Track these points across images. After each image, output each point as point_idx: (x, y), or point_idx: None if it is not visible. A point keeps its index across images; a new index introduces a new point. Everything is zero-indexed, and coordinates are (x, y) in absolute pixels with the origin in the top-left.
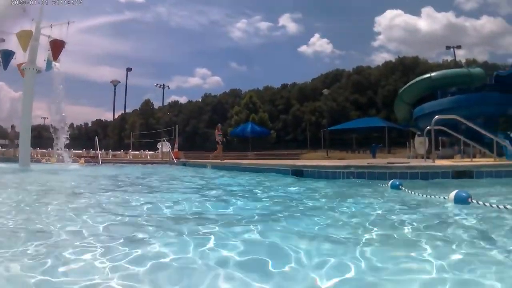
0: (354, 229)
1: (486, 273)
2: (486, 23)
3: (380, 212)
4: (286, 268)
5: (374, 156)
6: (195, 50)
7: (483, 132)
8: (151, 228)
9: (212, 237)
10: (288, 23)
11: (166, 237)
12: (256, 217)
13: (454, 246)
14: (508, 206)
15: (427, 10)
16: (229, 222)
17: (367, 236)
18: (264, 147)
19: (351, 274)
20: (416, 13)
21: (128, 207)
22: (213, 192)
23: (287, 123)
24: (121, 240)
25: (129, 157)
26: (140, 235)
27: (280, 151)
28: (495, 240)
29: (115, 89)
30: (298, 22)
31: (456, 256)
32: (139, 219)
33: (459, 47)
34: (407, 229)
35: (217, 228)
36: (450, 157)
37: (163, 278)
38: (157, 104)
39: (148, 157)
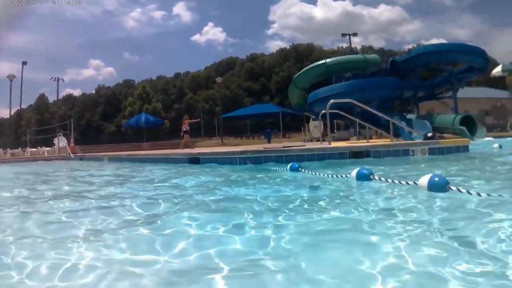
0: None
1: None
2: (384, 12)
3: (284, 193)
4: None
5: (269, 141)
6: (88, 41)
7: (379, 114)
8: None
9: None
10: (182, 11)
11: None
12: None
13: (361, 217)
14: (407, 182)
15: None
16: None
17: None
18: (159, 138)
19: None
20: (312, 1)
21: None
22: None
23: (181, 112)
24: None
25: (27, 155)
26: None
27: (175, 141)
28: (394, 210)
29: (11, 84)
30: (193, 11)
31: (365, 226)
32: None
33: (355, 34)
34: (313, 206)
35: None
36: (346, 139)
37: None
38: (52, 98)
39: (46, 153)
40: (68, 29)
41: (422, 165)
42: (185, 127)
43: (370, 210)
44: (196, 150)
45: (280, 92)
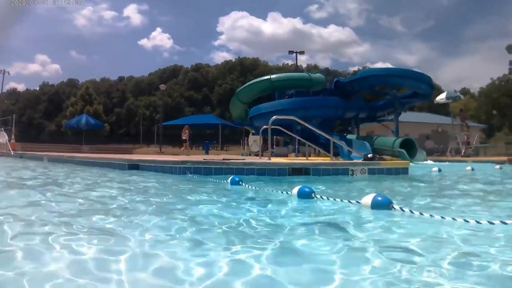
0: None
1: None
2: (334, 32)
3: (224, 207)
4: None
5: (207, 153)
6: (38, 35)
7: (320, 133)
8: None
9: None
10: (133, 14)
11: None
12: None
13: (299, 237)
14: (350, 201)
15: (274, 15)
16: None
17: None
18: (98, 141)
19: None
20: (263, 16)
21: None
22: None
23: (121, 117)
24: None
25: None
26: None
27: (114, 145)
28: (337, 228)
29: None
30: (144, 14)
31: (306, 242)
32: None
33: (302, 52)
34: (250, 223)
35: None
36: (285, 155)
37: None
38: None
39: None
40: (19, 20)
41: (362, 185)
42: (185, 135)
43: (312, 228)
44: (135, 157)
45: (222, 104)
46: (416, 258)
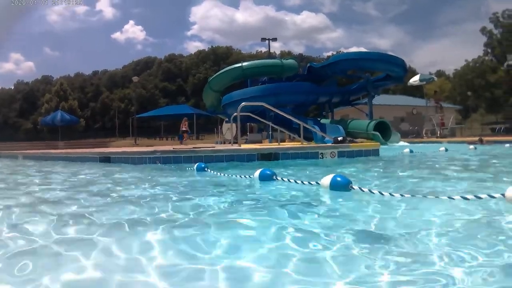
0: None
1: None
2: (307, 18)
3: (186, 191)
4: None
5: (182, 143)
6: (10, 33)
7: (290, 118)
8: None
9: None
10: (105, 7)
11: None
12: None
13: (260, 215)
14: (310, 182)
15: (246, 3)
16: None
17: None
18: (73, 136)
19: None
20: (234, 5)
21: None
22: None
23: (96, 111)
24: None
25: None
26: None
27: (90, 140)
28: (295, 208)
29: None
30: (116, 7)
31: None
32: None
33: (274, 39)
34: (210, 206)
35: None
36: (259, 141)
37: None
38: None
39: None
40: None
41: (329, 167)
42: (184, 127)
43: (270, 209)
44: (107, 150)
45: (196, 94)
46: (373, 239)
